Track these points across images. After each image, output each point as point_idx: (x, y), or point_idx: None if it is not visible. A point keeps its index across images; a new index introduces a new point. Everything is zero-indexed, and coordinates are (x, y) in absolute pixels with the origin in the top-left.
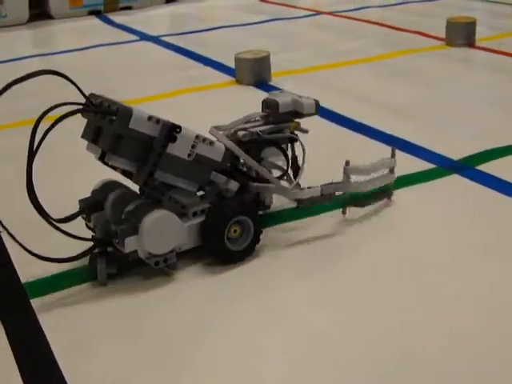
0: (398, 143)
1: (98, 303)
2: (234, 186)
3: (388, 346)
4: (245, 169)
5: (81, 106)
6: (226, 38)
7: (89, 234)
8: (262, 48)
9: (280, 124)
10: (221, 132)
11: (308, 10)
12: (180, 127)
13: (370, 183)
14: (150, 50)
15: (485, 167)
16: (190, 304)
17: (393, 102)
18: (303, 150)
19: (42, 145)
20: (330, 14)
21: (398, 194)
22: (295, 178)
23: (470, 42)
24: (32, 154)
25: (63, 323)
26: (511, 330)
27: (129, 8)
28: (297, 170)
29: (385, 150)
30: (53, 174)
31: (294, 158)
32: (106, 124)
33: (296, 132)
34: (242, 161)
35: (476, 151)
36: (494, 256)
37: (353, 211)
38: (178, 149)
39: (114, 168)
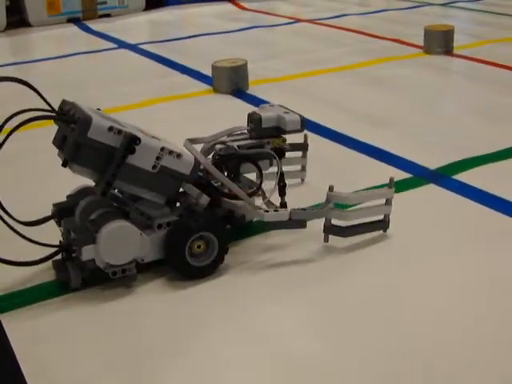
0: (373, 152)
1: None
2: (204, 200)
3: (367, 372)
4: (218, 184)
5: (43, 113)
6: (204, 45)
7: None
8: (240, 56)
9: (262, 139)
10: (201, 144)
11: (287, 17)
12: (139, 139)
13: (358, 213)
14: (128, 58)
15: (462, 176)
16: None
17: (370, 111)
18: (278, 168)
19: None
20: (310, 21)
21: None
22: (281, 195)
23: (447, 50)
24: None
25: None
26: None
27: (108, 15)
28: (283, 187)
29: (360, 159)
30: (34, 179)
31: (280, 174)
32: (69, 132)
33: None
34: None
35: (453, 160)
36: (474, 267)
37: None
38: (141, 160)
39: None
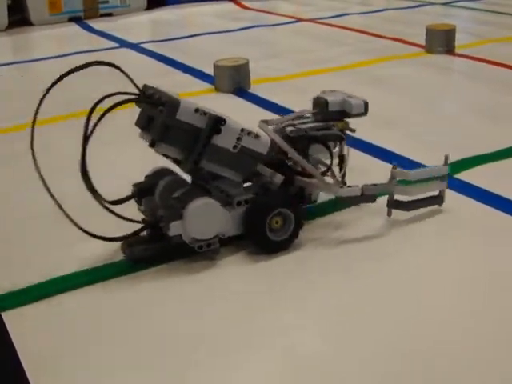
0: (375, 151)
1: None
2: (278, 178)
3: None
4: (291, 163)
5: (133, 97)
6: (206, 44)
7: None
8: (241, 55)
9: (328, 122)
10: (269, 126)
11: (289, 17)
12: (225, 120)
13: (417, 189)
14: (130, 57)
15: (463, 176)
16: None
17: (371, 110)
18: (347, 149)
19: (99, 132)
20: (311, 20)
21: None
22: (342, 175)
23: (449, 49)
24: (86, 140)
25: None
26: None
27: (109, 15)
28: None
29: (362, 158)
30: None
31: (341, 156)
32: (157, 114)
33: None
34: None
35: (454, 159)
36: (475, 265)
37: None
38: (224, 140)
39: (166, 156)
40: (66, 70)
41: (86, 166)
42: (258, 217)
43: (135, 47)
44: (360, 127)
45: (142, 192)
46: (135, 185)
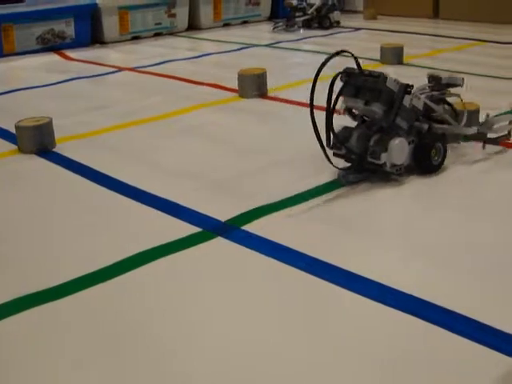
0: (166, 207)
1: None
2: (425, 126)
3: None
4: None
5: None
6: (20, 101)
7: None
8: (56, 110)
9: (441, 91)
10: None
11: (112, 66)
12: (412, 86)
13: (501, 129)
14: None
15: (250, 227)
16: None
17: (170, 162)
18: (462, 101)
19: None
20: (132, 70)
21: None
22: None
23: (262, 93)
24: (312, 98)
25: None
26: None
27: None
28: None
29: (152, 214)
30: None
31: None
32: (370, 83)
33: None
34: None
35: (243, 211)
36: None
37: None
38: (404, 100)
39: (354, 117)
40: (324, 59)
41: (315, 123)
42: (427, 149)
43: None
44: (155, 181)
45: (342, 141)
46: (335, 135)
